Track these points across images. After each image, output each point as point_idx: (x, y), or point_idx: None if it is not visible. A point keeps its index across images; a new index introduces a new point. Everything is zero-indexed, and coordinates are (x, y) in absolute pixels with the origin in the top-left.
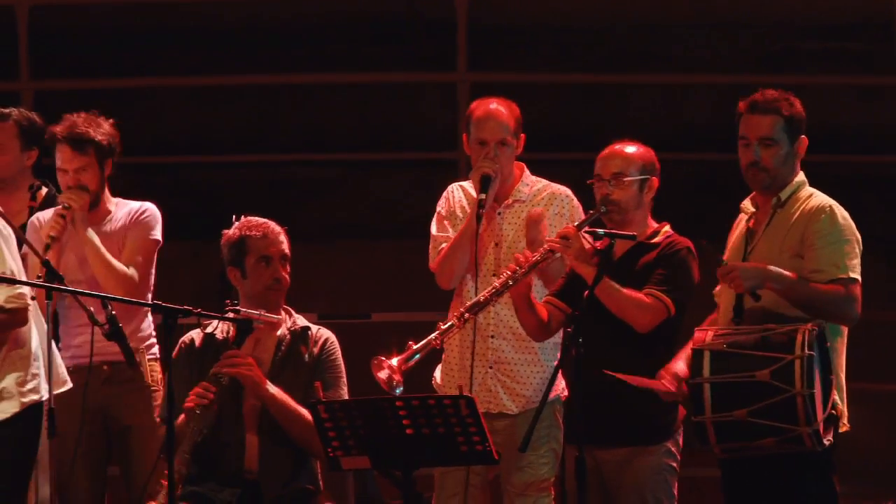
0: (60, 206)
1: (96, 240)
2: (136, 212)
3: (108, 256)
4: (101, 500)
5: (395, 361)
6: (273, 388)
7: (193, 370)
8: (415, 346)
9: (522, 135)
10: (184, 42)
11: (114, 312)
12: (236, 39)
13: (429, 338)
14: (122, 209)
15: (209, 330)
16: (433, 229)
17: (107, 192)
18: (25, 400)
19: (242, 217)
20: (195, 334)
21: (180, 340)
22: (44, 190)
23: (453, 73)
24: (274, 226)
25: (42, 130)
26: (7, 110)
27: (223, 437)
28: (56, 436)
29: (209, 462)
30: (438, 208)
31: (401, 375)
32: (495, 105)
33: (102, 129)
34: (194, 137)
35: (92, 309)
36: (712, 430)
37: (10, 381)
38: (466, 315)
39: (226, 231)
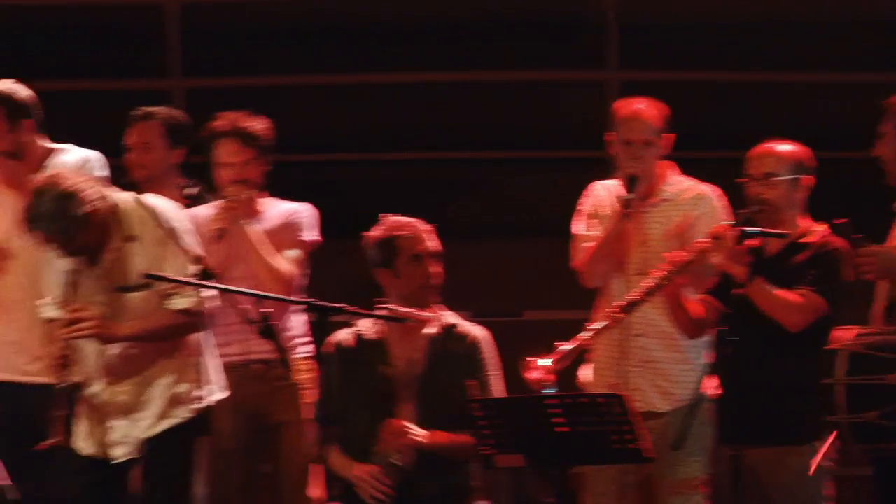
0: (226, 199)
1: (258, 236)
2: (291, 212)
3: (268, 253)
4: (252, 498)
5: (545, 363)
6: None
7: (346, 370)
8: (565, 348)
9: (670, 134)
10: (328, 39)
11: (266, 311)
12: (380, 37)
13: (580, 338)
14: (275, 209)
15: (360, 330)
16: (577, 228)
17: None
18: (198, 406)
19: (386, 217)
20: (344, 334)
21: (330, 340)
22: (192, 189)
23: (602, 72)
24: (421, 224)
25: (188, 129)
26: (153, 109)
27: (378, 437)
28: (210, 434)
29: (365, 458)
30: (582, 207)
31: (552, 377)
32: (641, 105)
33: (263, 126)
34: (337, 135)
35: (247, 307)
36: (849, 432)
37: (185, 386)
38: (619, 315)
39: (369, 232)
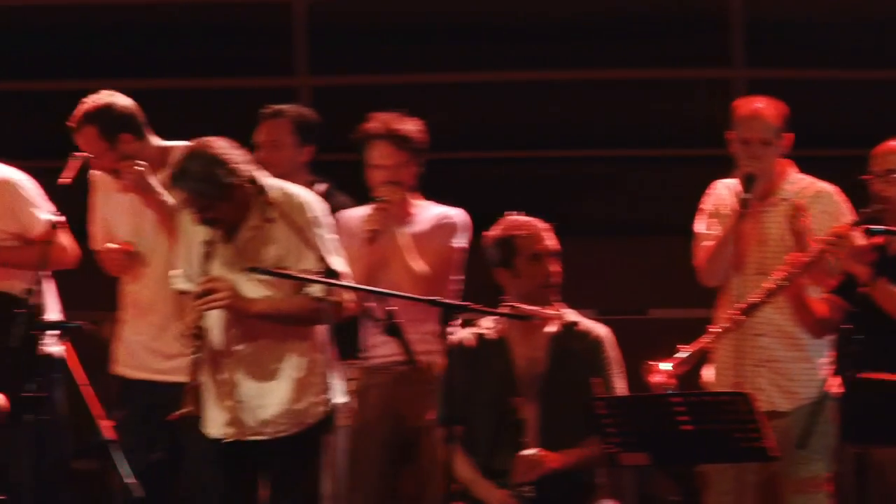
0: (377, 202)
1: (404, 237)
2: (441, 216)
3: (410, 255)
4: (391, 498)
5: (667, 366)
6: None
7: (468, 370)
8: (687, 351)
9: (788, 133)
10: (453, 37)
11: (391, 309)
12: (507, 35)
13: (701, 342)
14: (428, 212)
15: (481, 329)
16: (698, 227)
17: (410, 193)
18: (325, 409)
19: (507, 216)
20: (466, 333)
21: (452, 340)
22: (321, 186)
23: (729, 70)
24: (539, 223)
25: (317, 127)
26: (282, 107)
27: (506, 438)
28: (336, 433)
29: (487, 458)
30: (704, 206)
31: (673, 381)
32: (760, 104)
33: (416, 128)
34: (461, 133)
35: (373, 305)
36: None
37: (314, 380)
38: (740, 317)
39: (489, 232)
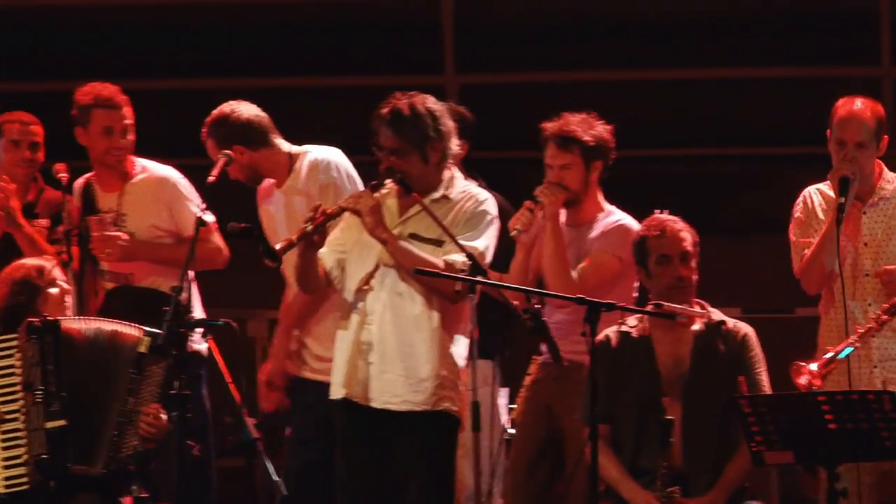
0: (530, 200)
1: (555, 239)
2: (610, 224)
3: (562, 258)
4: (547, 497)
5: (814, 367)
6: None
7: (612, 368)
8: (833, 352)
9: (885, 136)
10: (602, 35)
11: (538, 306)
12: (656, 33)
13: (848, 342)
14: (606, 218)
15: (624, 328)
16: (793, 234)
17: (598, 197)
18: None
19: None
20: (611, 332)
21: (597, 338)
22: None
23: (877, 68)
24: (673, 223)
25: (471, 125)
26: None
27: (651, 437)
28: (480, 429)
29: (632, 457)
30: (796, 213)
31: (821, 381)
32: (859, 105)
33: (593, 131)
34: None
35: (516, 303)
36: None
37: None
38: (885, 318)
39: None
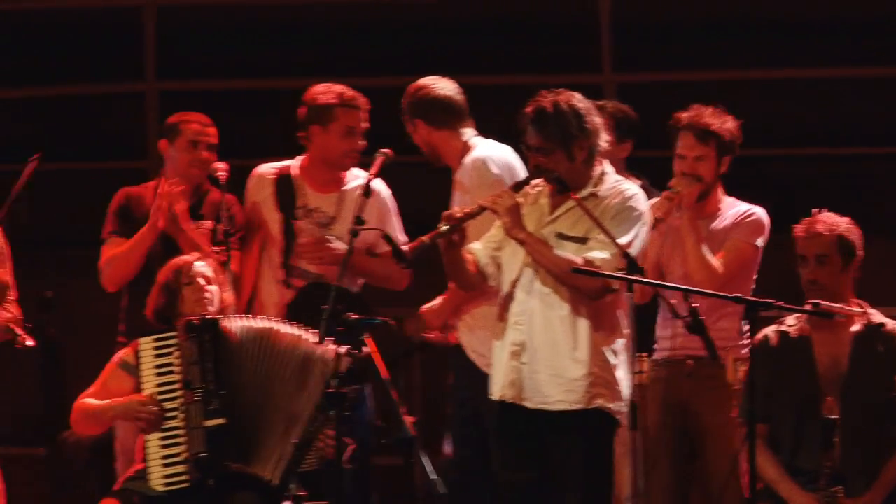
0: (667, 190)
1: (695, 230)
2: (743, 214)
3: (703, 249)
4: (682, 495)
5: None
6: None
7: (771, 368)
8: None
9: None
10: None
11: (695, 306)
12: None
13: None
14: (731, 209)
15: (783, 328)
16: None
17: (719, 190)
18: (618, 399)
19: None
20: (770, 331)
21: (756, 338)
22: (636, 182)
23: None
24: (817, 223)
25: (636, 123)
26: (603, 103)
27: (810, 437)
28: (638, 429)
29: (790, 457)
30: None
31: None
32: None
33: (727, 125)
34: (772, 130)
35: (674, 302)
36: None
37: (607, 373)
38: None
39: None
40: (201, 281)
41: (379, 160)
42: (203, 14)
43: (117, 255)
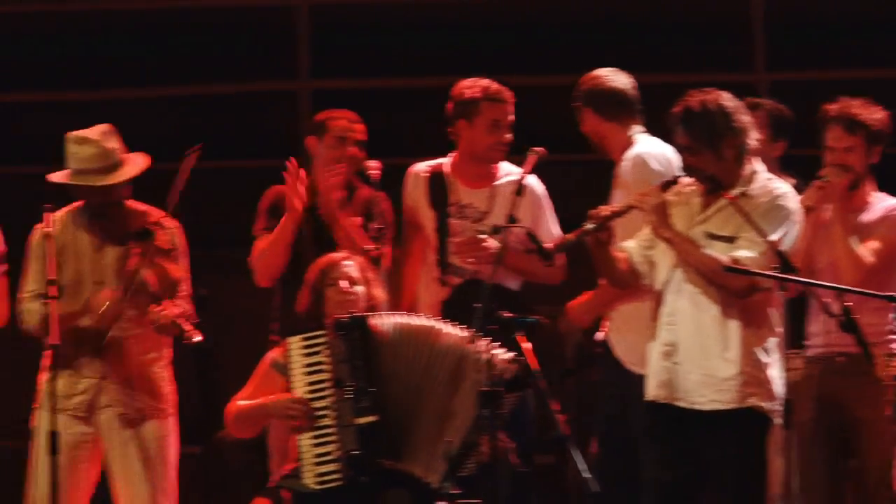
0: (817, 181)
1: (843, 220)
2: (893, 208)
3: (851, 240)
4: (838, 492)
5: None
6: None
7: None
8: None
9: None
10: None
11: (848, 304)
12: None
13: None
14: (880, 202)
15: None
16: None
17: (870, 183)
18: (770, 398)
19: None
20: None
21: None
22: (790, 181)
23: None
24: None
25: (791, 122)
26: (760, 101)
27: None
28: (791, 426)
29: None
30: None
31: None
32: None
33: (875, 116)
34: None
35: (826, 300)
36: None
37: (761, 368)
38: None
39: None
40: (344, 283)
41: (532, 158)
42: (356, 12)
43: (265, 249)
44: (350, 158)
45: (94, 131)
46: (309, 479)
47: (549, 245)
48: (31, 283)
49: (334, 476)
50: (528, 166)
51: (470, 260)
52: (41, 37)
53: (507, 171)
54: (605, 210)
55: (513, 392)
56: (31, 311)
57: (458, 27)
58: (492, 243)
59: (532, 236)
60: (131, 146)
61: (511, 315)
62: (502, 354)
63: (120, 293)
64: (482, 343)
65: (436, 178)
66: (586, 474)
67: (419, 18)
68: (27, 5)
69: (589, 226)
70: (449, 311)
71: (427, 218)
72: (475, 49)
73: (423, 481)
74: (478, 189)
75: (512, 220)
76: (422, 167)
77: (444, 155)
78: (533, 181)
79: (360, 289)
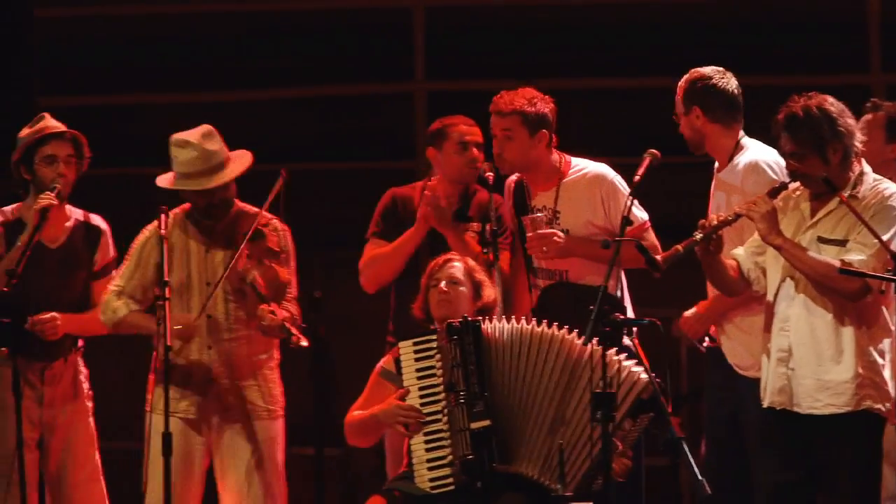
0: None
1: None
2: None
3: None
4: None
5: None
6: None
7: None
8: None
9: None
10: None
11: None
12: None
13: None
14: None
15: None
16: None
17: None
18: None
19: None
20: None
21: None
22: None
23: None
24: None
25: None
26: (881, 102)
27: None
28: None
29: None
30: None
31: None
32: None
33: None
34: None
35: None
36: None
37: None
38: None
39: None
40: (444, 285)
41: (646, 161)
42: (471, 14)
43: (378, 256)
44: (473, 162)
45: (195, 134)
46: (422, 483)
47: (658, 257)
48: (118, 278)
49: (447, 481)
50: (641, 169)
51: (539, 253)
52: (157, 39)
53: (577, 167)
54: (713, 220)
55: (647, 412)
56: (108, 305)
57: (571, 29)
58: (558, 234)
59: (641, 247)
60: (247, 148)
61: (624, 317)
62: (641, 372)
63: (197, 318)
64: (592, 345)
65: (518, 185)
66: (700, 477)
67: (533, 21)
68: (143, 6)
69: (698, 236)
70: (536, 315)
71: (514, 225)
72: (584, 52)
73: (538, 482)
74: (545, 191)
75: (627, 221)
76: (513, 176)
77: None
78: (603, 169)
79: (463, 290)
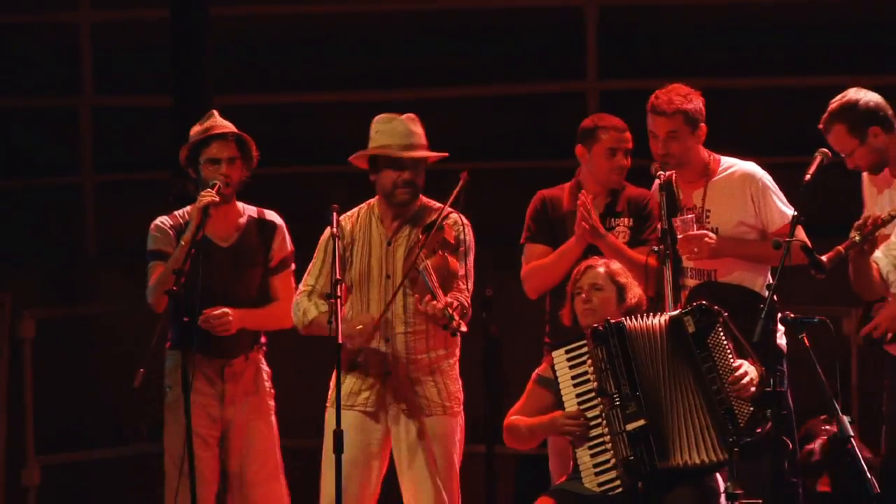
0: None
1: None
2: None
3: None
4: None
5: None
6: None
7: None
8: None
9: None
10: None
11: None
12: None
13: None
14: None
15: None
16: None
17: None
18: None
19: None
20: None
21: None
22: None
23: None
24: None
25: None
26: None
27: None
28: None
29: None
30: None
31: None
32: None
33: None
34: None
35: None
36: None
37: None
38: None
39: None
40: (586, 294)
41: (818, 159)
42: (643, 13)
43: (540, 266)
44: (620, 169)
45: (401, 116)
46: (591, 487)
47: (823, 258)
48: (308, 277)
49: (615, 483)
50: (813, 166)
51: (690, 255)
52: (329, 39)
53: (726, 164)
54: (871, 219)
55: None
56: (298, 306)
57: (740, 28)
58: (709, 235)
59: (807, 249)
60: None
61: (795, 316)
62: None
63: (379, 319)
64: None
65: (667, 185)
66: (868, 475)
67: (703, 20)
68: (317, 6)
69: (856, 237)
70: None
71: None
72: (756, 49)
73: (702, 467)
74: (695, 190)
75: (797, 220)
76: (663, 175)
77: (730, 150)
78: (753, 167)
79: (606, 294)
